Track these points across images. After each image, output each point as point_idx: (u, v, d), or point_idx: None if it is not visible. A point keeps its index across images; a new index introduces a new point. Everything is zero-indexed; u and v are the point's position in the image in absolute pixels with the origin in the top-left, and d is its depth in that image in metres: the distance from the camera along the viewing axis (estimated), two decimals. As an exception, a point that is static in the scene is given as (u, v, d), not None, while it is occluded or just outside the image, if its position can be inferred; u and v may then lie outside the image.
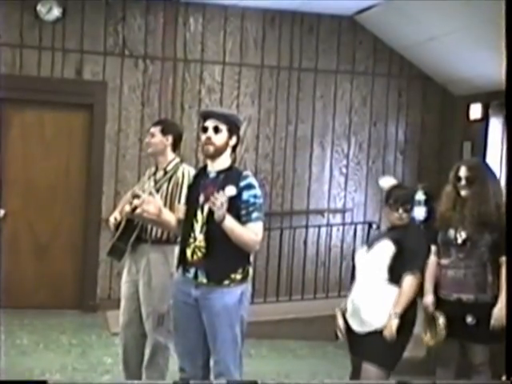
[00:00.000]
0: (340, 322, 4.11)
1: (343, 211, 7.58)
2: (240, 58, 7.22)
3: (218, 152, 3.70)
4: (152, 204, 3.76)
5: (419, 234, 4.24)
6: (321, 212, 7.51)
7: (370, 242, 4.24)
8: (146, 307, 4.39)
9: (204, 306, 3.67)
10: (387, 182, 4.28)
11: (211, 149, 3.68)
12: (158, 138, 4.53)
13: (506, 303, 3.67)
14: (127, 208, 4.32)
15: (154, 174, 4.57)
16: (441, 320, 4.09)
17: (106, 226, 4.85)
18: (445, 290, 4.21)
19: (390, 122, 7.59)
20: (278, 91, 7.33)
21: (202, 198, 3.69)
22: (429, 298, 4.21)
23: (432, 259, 4.26)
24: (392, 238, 4.00)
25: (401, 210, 4.01)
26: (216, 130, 3.68)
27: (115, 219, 4.49)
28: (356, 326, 4.02)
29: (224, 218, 3.49)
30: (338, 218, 7.59)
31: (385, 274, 3.97)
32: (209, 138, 3.67)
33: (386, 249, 4.00)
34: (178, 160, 4.57)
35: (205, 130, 3.71)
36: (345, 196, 7.57)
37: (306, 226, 7.38)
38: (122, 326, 4.54)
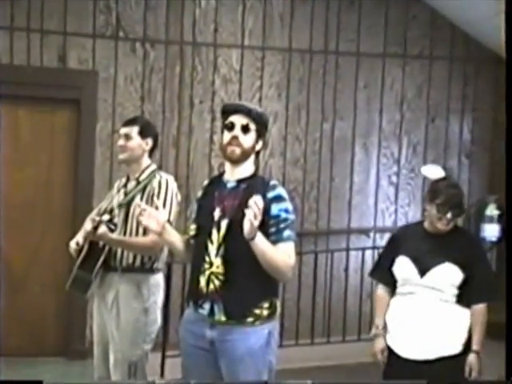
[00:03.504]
0: (381, 343, 4.29)
1: (393, 230, 7.46)
2: (263, 39, 7.19)
3: (245, 156, 3.70)
4: (154, 219, 3.70)
5: (481, 247, 4.40)
6: (365, 231, 7.48)
7: (419, 261, 4.19)
8: (114, 353, 4.36)
9: (223, 351, 3.63)
10: (434, 171, 4.35)
11: (237, 151, 3.66)
12: (135, 142, 4.56)
13: (506, 303, 3.79)
14: (87, 226, 4.28)
15: (125, 185, 4.55)
16: None
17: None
18: None
19: (453, 117, 7.56)
20: (311, 81, 7.30)
21: (217, 213, 3.66)
22: None
23: None
24: (457, 263, 4.10)
25: (449, 215, 4.09)
26: (245, 128, 3.67)
27: (77, 244, 4.46)
28: (411, 353, 4.11)
29: (256, 233, 3.42)
30: (386, 239, 7.47)
31: (453, 305, 4.13)
32: (235, 138, 3.66)
33: (452, 276, 4.12)
34: (153, 167, 4.61)
35: (230, 127, 3.69)
36: (395, 211, 7.54)
37: (347, 249, 7.35)
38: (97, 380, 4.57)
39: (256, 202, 3.32)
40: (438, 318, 4.11)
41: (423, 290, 4.14)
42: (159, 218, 3.71)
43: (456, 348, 4.09)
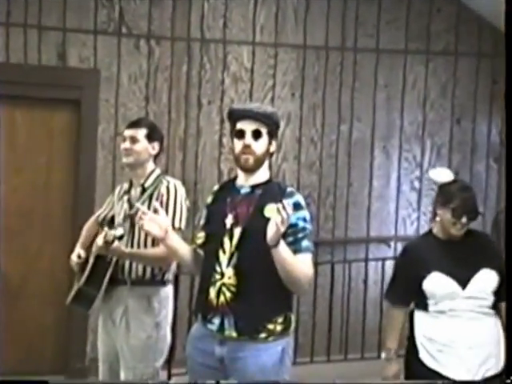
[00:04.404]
0: (395, 368, 4.37)
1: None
2: (275, 36, 7.16)
3: (259, 163, 3.72)
4: (156, 223, 3.68)
5: (496, 245, 4.51)
6: (385, 240, 7.41)
7: (453, 273, 4.19)
8: (125, 371, 4.34)
9: (233, 369, 3.63)
10: (444, 174, 4.34)
11: (251, 160, 3.69)
12: (142, 145, 4.56)
13: (506, 303, 3.98)
14: (99, 241, 4.24)
15: (128, 191, 4.52)
16: None
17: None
18: None
19: (480, 118, 7.50)
20: (327, 80, 7.26)
21: (229, 220, 3.68)
22: None
23: None
24: (491, 266, 4.20)
25: (465, 219, 4.16)
26: (256, 134, 3.68)
27: (79, 257, 4.43)
28: (465, 375, 4.08)
29: (280, 240, 3.40)
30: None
31: (495, 317, 4.24)
32: (248, 147, 3.67)
33: (492, 281, 4.20)
34: (158, 172, 4.60)
35: (240, 134, 3.69)
36: (418, 218, 7.47)
37: (366, 260, 7.31)
38: None
39: (285, 206, 3.28)
40: (488, 333, 4.16)
41: (465, 302, 4.14)
42: (161, 222, 3.69)
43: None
